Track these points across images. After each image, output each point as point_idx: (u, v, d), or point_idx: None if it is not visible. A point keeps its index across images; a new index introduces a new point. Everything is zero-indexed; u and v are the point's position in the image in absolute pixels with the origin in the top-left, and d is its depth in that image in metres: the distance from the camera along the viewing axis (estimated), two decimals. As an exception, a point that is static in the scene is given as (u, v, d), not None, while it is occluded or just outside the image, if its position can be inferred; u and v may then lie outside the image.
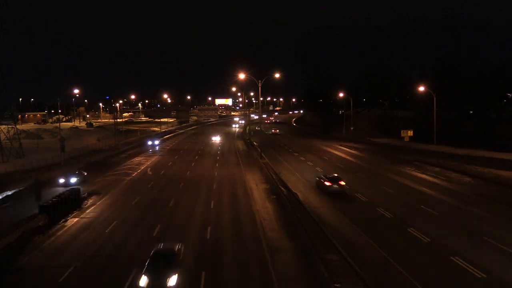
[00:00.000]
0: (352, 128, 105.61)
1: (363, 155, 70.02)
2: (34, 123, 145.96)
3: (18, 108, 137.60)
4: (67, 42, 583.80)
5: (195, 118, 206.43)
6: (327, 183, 39.16)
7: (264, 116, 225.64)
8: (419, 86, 79.07)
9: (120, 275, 21.28)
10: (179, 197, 39.08)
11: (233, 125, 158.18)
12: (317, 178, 42.29)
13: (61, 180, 44.90)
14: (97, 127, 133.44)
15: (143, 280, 19.26)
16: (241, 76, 70.00)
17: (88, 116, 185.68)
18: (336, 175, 42.09)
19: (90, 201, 38.14)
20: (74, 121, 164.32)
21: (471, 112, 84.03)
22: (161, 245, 22.25)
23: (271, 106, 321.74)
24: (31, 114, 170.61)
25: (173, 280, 19.27)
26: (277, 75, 69.25)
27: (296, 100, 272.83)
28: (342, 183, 39.27)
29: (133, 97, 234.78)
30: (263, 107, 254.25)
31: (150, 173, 53.78)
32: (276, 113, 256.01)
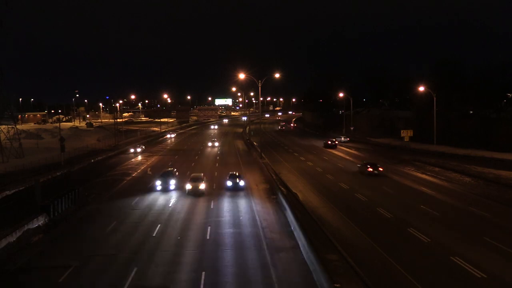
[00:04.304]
0: (352, 128, 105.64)
1: (363, 155, 70.01)
2: (34, 123, 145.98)
3: (18, 108, 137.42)
4: (67, 42, 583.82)
5: (195, 118, 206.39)
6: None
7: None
8: (419, 86, 79.06)
9: (121, 269, 21.35)
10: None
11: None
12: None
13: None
14: (97, 127, 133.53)
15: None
16: (241, 76, 69.89)
17: (88, 116, 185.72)
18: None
19: (90, 200, 38.15)
20: (74, 121, 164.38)
21: (471, 112, 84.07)
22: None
23: (271, 106, 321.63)
24: (31, 114, 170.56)
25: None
26: (277, 75, 69.20)
27: (296, 100, 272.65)
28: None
29: (133, 97, 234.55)
30: (263, 107, 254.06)
31: (150, 173, 53.74)
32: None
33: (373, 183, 44.62)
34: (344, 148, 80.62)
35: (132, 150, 76.72)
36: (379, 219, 31.27)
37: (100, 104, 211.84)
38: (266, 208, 34.49)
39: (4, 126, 73.76)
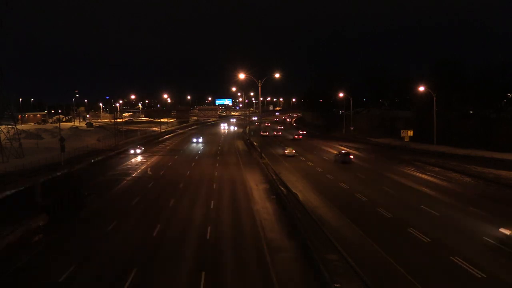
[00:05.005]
0: (352, 128, 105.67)
1: (363, 155, 70.04)
2: (34, 123, 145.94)
3: (18, 108, 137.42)
4: (67, 42, 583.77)
5: (195, 118, 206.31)
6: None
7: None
8: (419, 86, 79.12)
9: (121, 269, 21.36)
10: (179, 197, 39.10)
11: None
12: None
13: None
14: (97, 127, 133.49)
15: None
16: (241, 76, 69.85)
17: (88, 116, 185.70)
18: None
19: (90, 200, 38.15)
20: (74, 121, 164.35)
21: (471, 112, 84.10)
22: None
23: (271, 106, 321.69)
24: (31, 114, 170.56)
25: None
26: (277, 75, 69.11)
27: (296, 100, 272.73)
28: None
29: (133, 97, 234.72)
30: (263, 107, 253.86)
31: (150, 173, 53.79)
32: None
33: (373, 183, 44.62)
34: (344, 148, 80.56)
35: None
36: (379, 219, 31.26)
37: (100, 104, 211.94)
38: (266, 208, 34.49)
39: (4, 126, 73.69)
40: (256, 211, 33.47)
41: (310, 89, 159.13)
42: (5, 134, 70.09)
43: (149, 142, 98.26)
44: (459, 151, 66.34)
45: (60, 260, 23.65)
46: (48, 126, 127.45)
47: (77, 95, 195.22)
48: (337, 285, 18.95)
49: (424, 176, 49.45)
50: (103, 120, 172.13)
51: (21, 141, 71.71)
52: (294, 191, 38.63)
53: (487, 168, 51.57)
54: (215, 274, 21.36)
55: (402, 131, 77.33)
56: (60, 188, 39.41)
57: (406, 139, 76.13)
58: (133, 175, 52.57)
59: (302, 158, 65.72)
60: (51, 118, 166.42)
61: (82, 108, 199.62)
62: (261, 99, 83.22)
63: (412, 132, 76.19)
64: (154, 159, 67.80)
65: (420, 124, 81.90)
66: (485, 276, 20.85)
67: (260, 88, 64.74)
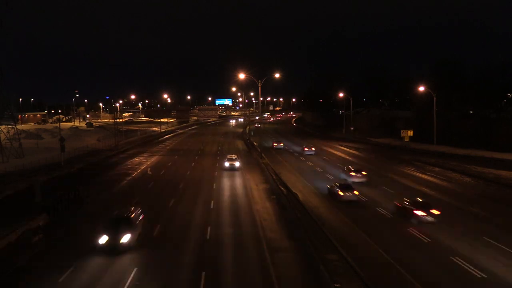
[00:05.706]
0: (352, 128, 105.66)
1: (363, 155, 70.06)
2: (34, 123, 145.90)
3: (18, 108, 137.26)
4: (67, 42, 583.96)
5: (195, 118, 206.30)
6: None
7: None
8: (419, 86, 79.11)
9: (121, 269, 21.34)
10: (179, 197, 39.07)
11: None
12: None
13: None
14: (97, 127, 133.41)
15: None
16: (241, 76, 69.83)
17: (88, 116, 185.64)
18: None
19: (90, 200, 38.15)
20: (74, 121, 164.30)
21: (471, 112, 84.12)
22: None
23: (271, 106, 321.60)
24: (31, 114, 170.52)
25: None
26: (277, 75, 69.09)
27: (296, 100, 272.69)
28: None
29: (133, 97, 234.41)
30: (263, 107, 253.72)
31: (150, 173, 53.75)
32: (282, 114, 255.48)
33: (373, 183, 44.57)
34: (344, 148, 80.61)
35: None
36: (379, 219, 31.27)
37: (100, 104, 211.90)
38: (266, 208, 34.49)
39: (4, 126, 73.65)
40: (256, 211, 33.47)
41: (310, 89, 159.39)
42: (5, 134, 70.05)
43: (149, 142, 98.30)
44: (459, 151, 66.36)
45: (60, 260, 23.64)
46: (48, 126, 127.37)
47: (77, 95, 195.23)
48: (337, 285, 18.95)
49: (424, 176, 49.46)
50: (103, 120, 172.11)
51: (21, 141, 71.65)
52: (294, 191, 38.64)
53: (487, 168, 51.58)
54: (215, 274, 21.36)
55: (402, 131, 77.31)
56: (60, 188, 39.53)
57: (406, 139, 76.11)
58: (133, 175, 52.57)
59: (302, 158, 65.72)
60: (51, 118, 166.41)
61: (82, 108, 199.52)
62: (261, 99, 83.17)
63: (412, 132, 76.17)
64: (154, 159, 67.78)
65: (420, 124, 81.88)
66: (485, 276, 20.86)
67: (260, 88, 64.74)
